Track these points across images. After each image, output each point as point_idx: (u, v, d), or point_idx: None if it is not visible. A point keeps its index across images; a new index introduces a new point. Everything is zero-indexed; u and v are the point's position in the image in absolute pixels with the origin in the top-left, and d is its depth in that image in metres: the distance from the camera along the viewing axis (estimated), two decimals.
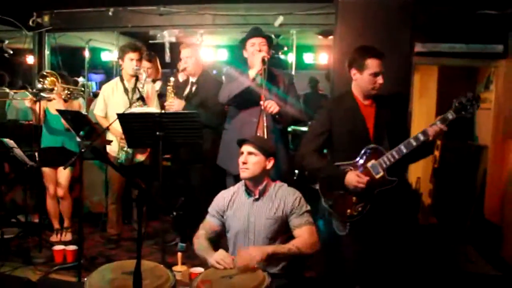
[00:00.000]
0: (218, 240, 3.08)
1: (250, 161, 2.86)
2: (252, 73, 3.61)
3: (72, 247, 4.19)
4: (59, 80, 4.31)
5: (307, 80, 8.64)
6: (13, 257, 4.22)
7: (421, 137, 2.89)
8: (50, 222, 4.87)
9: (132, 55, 4.46)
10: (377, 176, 2.97)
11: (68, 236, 4.76)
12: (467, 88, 3.16)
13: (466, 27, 4.72)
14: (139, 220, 2.70)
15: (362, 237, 3.04)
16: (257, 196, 2.90)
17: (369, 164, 2.99)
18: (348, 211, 3.02)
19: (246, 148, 2.90)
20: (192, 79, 4.46)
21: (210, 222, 3.03)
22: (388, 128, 3.05)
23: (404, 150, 2.91)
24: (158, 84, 5.32)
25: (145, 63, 4.99)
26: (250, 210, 2.89)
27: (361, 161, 3.01)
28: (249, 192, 2.94)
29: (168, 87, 4.33)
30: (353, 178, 2.94)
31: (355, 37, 3.56)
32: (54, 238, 4.74)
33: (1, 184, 5.31)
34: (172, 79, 4.39)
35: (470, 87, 5.55)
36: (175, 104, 4.27)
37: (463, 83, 5.72)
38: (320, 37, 7.17)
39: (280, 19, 5.54)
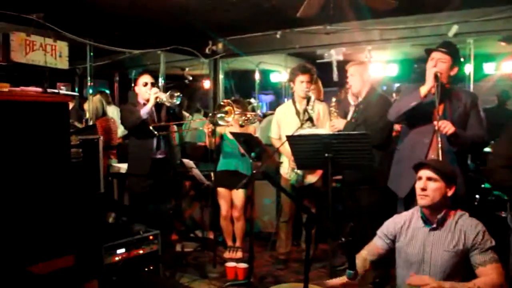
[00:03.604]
0: (380, 263, 2.87)
1: (430, 187, 2.61)
2: (423, 89, 3.33)
3: (243, 265, 4.33)
4: (235, 109, 4.40)
5: (487, 92, 7.79)
6: (191, 270, 4.51)
7: None
8: (223, 239, 5.12)
9: (302, 78, 4.44)
10: None
11: (239, 254, 4.93)
12: None
13: None
14: (307, 244, 2.69)
15: None
16: (435, 225, 2.65)
17: None
18: None
19: (424, 172, 2.65)
20: (359, 98, 4.31)
21: (375, 244, 2.88)
22: None
23: None
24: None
25: None
26: (426, 240, 2.65)
27: None
28: (426, 220, 2.70)
29: (331, 107, 4.26)
30: None
31: None
32: (227, 254, 4.95)
33: (182, 201, 5.76)
34: (334, 99, 4.28)
35: None
36: (336, 124, 4.16)
37: None
38: (503, 44, 6.44)
39: (455, 28, 5.10)
